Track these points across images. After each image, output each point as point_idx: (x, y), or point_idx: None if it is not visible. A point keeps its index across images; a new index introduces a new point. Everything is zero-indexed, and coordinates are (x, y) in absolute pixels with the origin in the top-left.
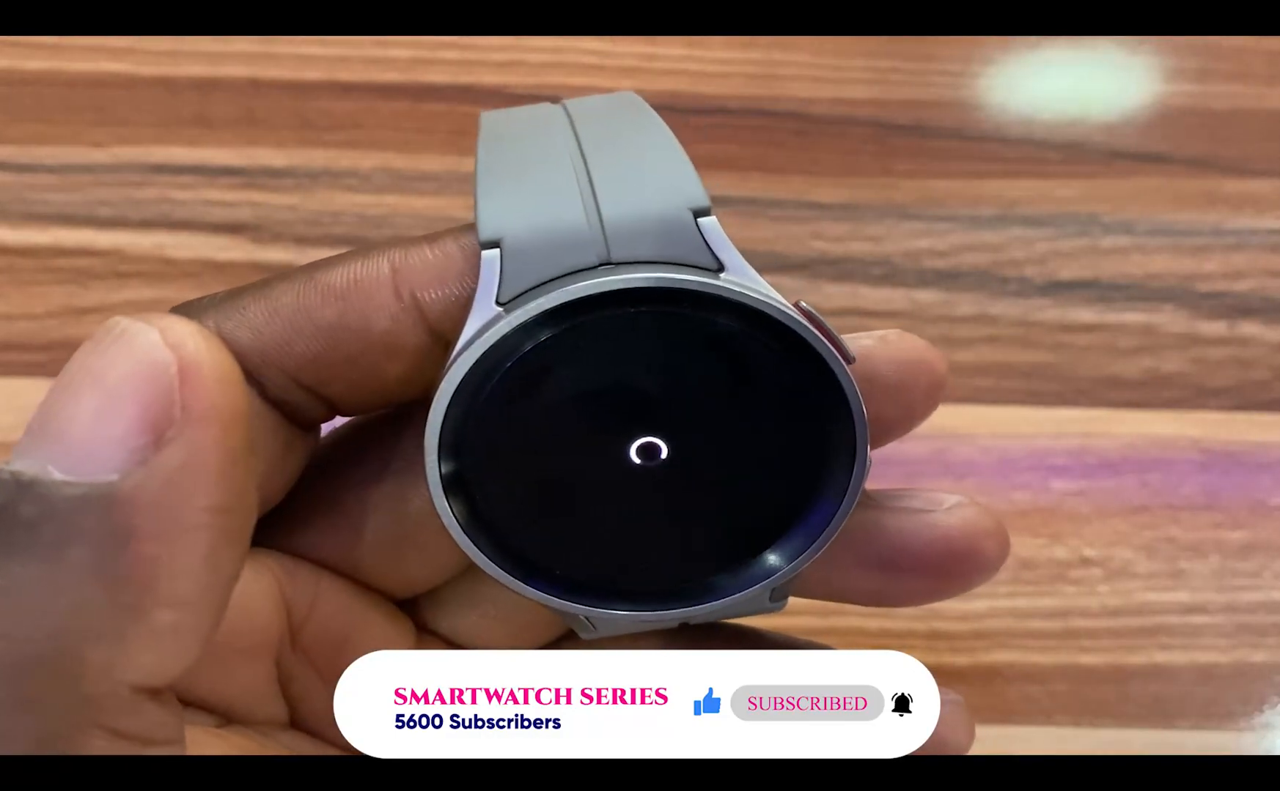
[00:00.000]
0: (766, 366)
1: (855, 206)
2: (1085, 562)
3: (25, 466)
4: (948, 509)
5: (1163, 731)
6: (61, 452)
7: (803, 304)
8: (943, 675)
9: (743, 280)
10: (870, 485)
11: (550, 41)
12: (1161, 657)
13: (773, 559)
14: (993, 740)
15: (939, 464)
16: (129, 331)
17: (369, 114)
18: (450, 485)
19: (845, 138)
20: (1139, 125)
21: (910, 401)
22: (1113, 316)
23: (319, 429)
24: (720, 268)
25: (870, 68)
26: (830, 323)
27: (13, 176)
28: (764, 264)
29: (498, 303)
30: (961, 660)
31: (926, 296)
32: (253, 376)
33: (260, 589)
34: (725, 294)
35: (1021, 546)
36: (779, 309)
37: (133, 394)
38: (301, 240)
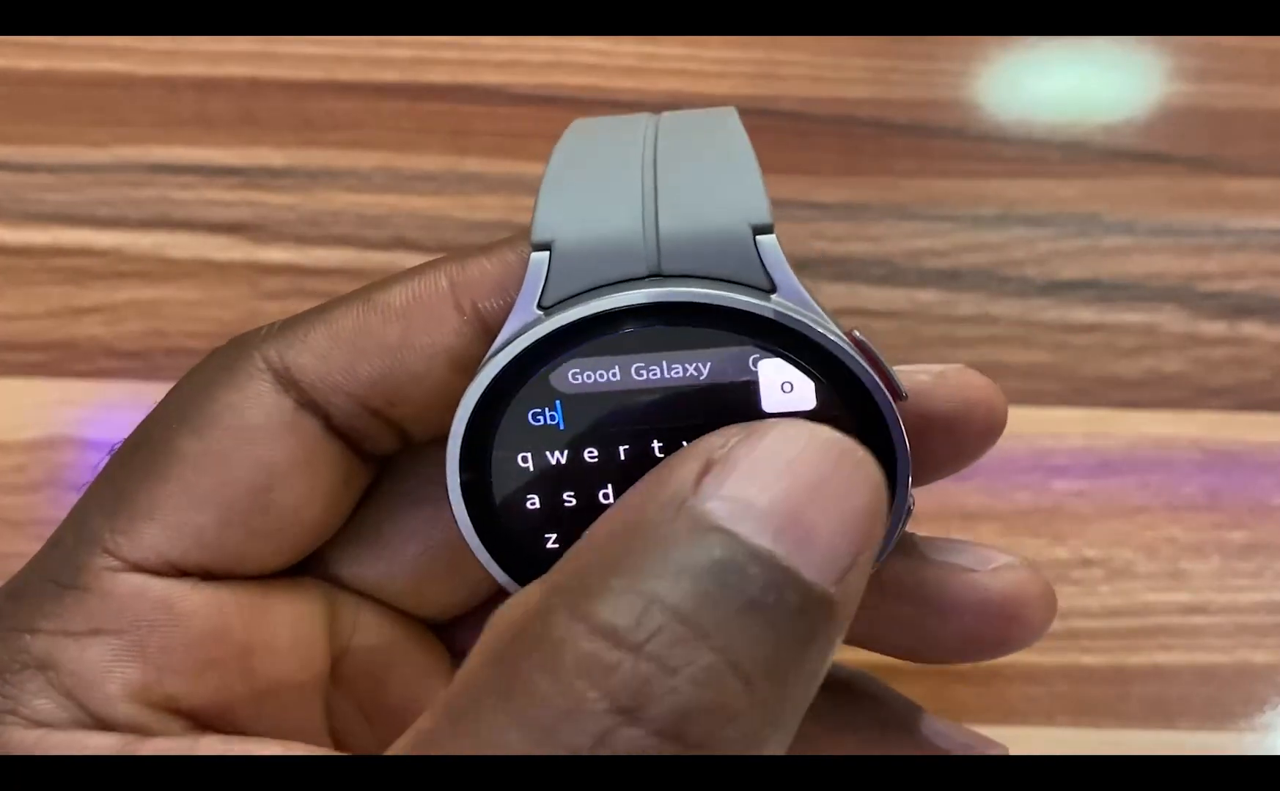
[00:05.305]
0: (811, 395)
1: (855, 206)
2: (1086, 563)
3: (779, 551)
4: (994, 569)
5: (1163, 731)
6: (808, 558)
7: (857, 334)
8: (942, 674)
9: (793, 304)
10: None
11: (550, 41)
12: (1162, 658)
13: None
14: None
15: None
16: (865, 463)
17: (369, 114)
18: (471, 490)
19: (845, 138)
20: (1139, 125)
21: (963, 440)
22: (1113, 316)
23: (378, 463)
24: (773, 288)
25: (870, 68)
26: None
27: (12, 176)
28: None
29: (540, 307)
30: None
31: (927, 296)
32: (318, 405)
33: (313, 623)
34: (772, 316)
35: (1022, 547)
36: (826, 337)
37: (862, 523)
38: (301, 240)
